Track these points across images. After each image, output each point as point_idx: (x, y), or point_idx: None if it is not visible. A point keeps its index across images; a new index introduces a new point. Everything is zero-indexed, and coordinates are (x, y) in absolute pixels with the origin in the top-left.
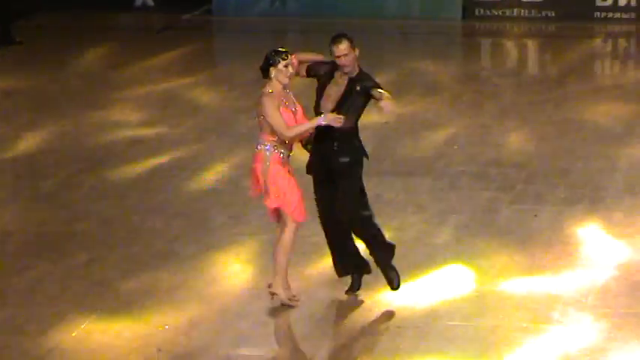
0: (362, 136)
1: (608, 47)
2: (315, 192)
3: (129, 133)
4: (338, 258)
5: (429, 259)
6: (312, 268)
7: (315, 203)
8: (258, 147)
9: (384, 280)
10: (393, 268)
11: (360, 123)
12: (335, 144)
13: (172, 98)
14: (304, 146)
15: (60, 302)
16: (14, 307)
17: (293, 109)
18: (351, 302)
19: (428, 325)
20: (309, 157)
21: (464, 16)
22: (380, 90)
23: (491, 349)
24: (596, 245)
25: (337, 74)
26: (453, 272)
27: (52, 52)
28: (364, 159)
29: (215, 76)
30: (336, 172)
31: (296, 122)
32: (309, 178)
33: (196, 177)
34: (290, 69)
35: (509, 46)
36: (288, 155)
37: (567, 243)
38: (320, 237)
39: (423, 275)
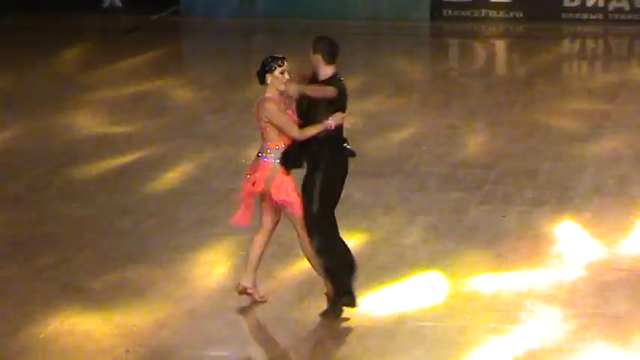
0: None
1: (576, 48)
2: None
3: (97, 134)
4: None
5: (398, 260)
6: (281, 269)
7: None
8: (265, 158)
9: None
10: (347, 293)
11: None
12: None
13: (141, 99)
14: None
15: (28, 303)
16: None
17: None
18: (320, 303)
19: (397, 326)
20: None
21: (432, 17)
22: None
23: (459, 349)
24: (565, 245)
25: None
26: (421, 273)
27: (20, 52)
28: (331, 167)
29: (183, 77)
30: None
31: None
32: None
33: (165, 178)
34: (286, 75)
35: (478, 46)
36: None
37: (535, 243)
38: (287, 238)
39: (391, 276)
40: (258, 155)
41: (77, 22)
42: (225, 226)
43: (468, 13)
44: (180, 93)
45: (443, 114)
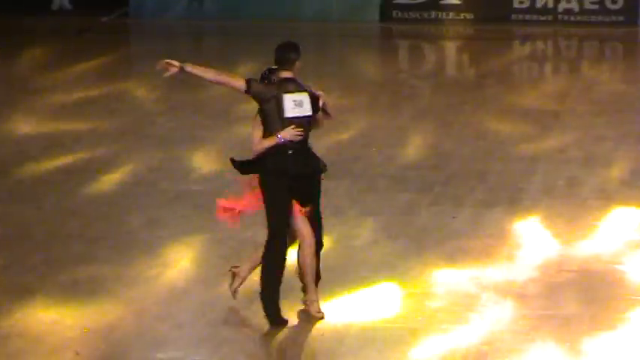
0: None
1: (526, 49)
2: None
3: (47, 135)
4: None
5: (348, 262)
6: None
7: None
8: None
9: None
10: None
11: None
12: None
13: (90, 101)
14: None
15: None
16: None
17: None
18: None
19: (346, 329)
20: None
21: (382, 19)
22: None
23: (410, 351)
24: (515, 247)
25: None
26: (372, 275)
27: None
28: (272, 171)
29: (133, 78)
30: None
31: None
32: None
33: (114, 179)
34: None
35: (428, 48)
36: None
37: (486, 245)
38: (236, 241)
39: (342, 278)
40: None
41: (26, 24)
42: (175, 227)
43: (418, 14)
44: (130, 94)
45: (393, 115)
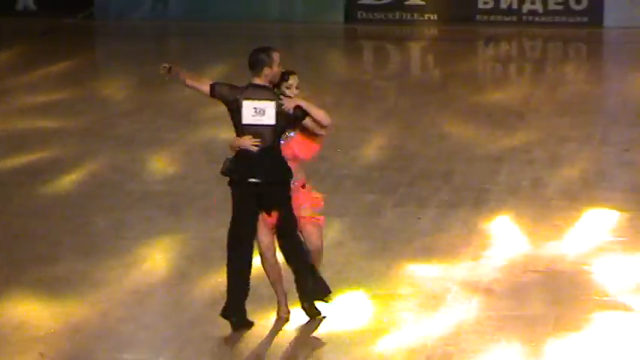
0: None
1: (490, 49)
2: None
3: (10, 135)
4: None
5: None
6: (196, 273)
7: None
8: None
9: (266, 289)
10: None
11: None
12: None
13: (54, 102)
14: None
15: None
16: None
17: None
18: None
19: (310, 329)
20: None
21: (346, 19)
22: None
23: (375, 352)
24: (480, 247)
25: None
26: (337, 276)
27: None
28: (233, 179)
29: (98, 79)
30: None
31: None
32: None
33: (78, 180)
34: (294, 90)
35: (392, 49)
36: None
37: (451, 245)
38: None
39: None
40: None
41: None
42: (140, 228)
43: (383, 15)
44: (95, 96)
45: (357, 116)
